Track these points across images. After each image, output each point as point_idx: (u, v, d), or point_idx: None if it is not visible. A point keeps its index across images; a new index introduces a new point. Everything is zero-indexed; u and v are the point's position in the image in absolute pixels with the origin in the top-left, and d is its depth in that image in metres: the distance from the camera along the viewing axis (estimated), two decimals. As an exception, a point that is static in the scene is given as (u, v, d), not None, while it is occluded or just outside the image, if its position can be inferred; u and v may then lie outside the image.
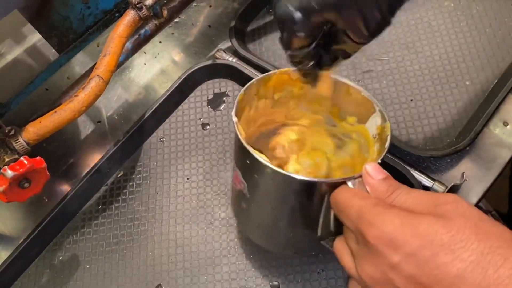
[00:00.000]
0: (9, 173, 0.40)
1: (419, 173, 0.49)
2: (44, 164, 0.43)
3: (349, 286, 0.34)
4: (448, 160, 0.50)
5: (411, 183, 0.47)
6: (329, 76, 0.41)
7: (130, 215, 0.54)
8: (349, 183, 0.34)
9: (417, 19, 0.59)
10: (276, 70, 0.42)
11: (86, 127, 0.62)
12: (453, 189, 0.48)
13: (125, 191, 0.55)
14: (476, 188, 0.49)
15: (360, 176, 0.34)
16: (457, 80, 0.54)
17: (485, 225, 0.28)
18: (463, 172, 0.49)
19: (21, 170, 0.40)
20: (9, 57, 0.62)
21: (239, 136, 0.37)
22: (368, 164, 0.34)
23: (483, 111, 0.50)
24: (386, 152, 0.37)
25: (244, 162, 0.37)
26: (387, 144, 0.37)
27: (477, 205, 0.48)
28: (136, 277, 0.50)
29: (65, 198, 0.54)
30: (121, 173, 0.57)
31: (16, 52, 0.64)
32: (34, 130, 0.44)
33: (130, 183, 0.56)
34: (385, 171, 0.34)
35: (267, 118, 0.45)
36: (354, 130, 0.43)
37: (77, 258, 0.53)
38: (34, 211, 0.57)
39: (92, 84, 0.45)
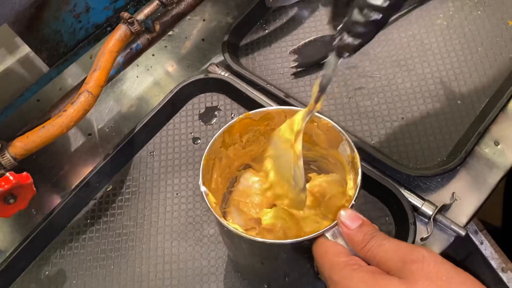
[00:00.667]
0: (-6, 189, 0.40)
1: (409, 192, 0.49)
2: (31, 180, 0.42)
3: None
4: (439, 179, 0.50)
5: (401, 203, 0.47)
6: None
7: (119, 230, 0.53)
8: (328, 235, 0.35)
9: (410, 36, 0.59)
10: (236, 118, 0.43)
11: (76, 139, 0.62)
12: (443, 209, 0.48)
13: (113, 205, 0.55)
14: (467, 208, 0.49)
15: (337, 224, 0.35)
16: (448, 99, 0.54)
17: (450, 286, 0.29)
18: (454, 192, 0.49)
19: (6, 186, 0.40)
20: (0, 68, 0.61)
21: (210, 208, 0.38)
22: (343, 211, 0.35)
23: (474, 131, 0.50)
24: (359, 189, 0.37)
25: (222, 228, 0.38)
26: (359, 179, 0.37)
27: (466, 225, 0.48)
28: (123, 293, 0.50)
29: (53, 211, 0.53)
30: (110, 187, 0.56)
31: (7, 63, 0.64)
32: (21, 145, 0.43)
33: (119, 198, 0.55)
34: (360, 217, 0.35)
35: (242, 159, 0.47)
36: (328, 154, 0.44)
37: (64, 273, 0.52)
38: (22, 224, 0.57)
39: (81, 99, 0.45)
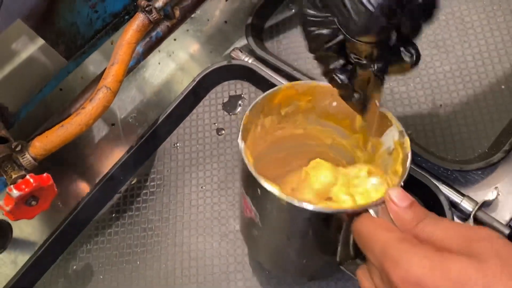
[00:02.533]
0: (15, 193, 0.39)
1: (447, 187, 0.45)
2: (51, 181, 0.41)
3: None
4: (480, 173, 0.47)
5: (438, 198, 0.44)
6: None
7: (144, 225, 0.52)
8: (371, 211, 0.32)
9: (448, 14, 0.54)
10: (282, 85, 0.40)
11: (100, 130, 0.61)
12: (484, 205, 0.44)
13: (138, 199, 0.54)
14: (510, 205, 0.45)
15: (383, 202, 0.31)
16: (491, 83, 0.50)
17: None
18: (496, 187, 0.45)
19: (26, 189, 0.39)
20: (17, 62, 0.60)
21: (248, 165, 0.34)
22: (391, 189, 0.31)
23: (519, 120, 0.46)
24: (408, 173, 0.34)
25: (255, 191, 0.35)
26: (408, 163, 0.35)
27: (510, 222, 0.45)
28: (149, 290, 0.49)
29: (78, 206, 0.53)
30: (135, 180, 0.55)
31: (24, 56, 0.63)
32: (41, 145, 0.42)
33: (144, 191, 0.54)
34: (410, 197, 0.31)
35: (275, 135, 0.43)
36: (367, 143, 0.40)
37: (90, 268, 0.52)
38: (49, 217, 0.56)
39: (100, 96, 0.43)
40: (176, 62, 0.63)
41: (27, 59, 0.59)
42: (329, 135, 0.44)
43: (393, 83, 0.52)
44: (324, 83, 0.39)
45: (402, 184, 0.34)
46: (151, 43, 0.52)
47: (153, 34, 0.52)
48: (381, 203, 0.31)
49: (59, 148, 0.43)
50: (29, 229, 0.57)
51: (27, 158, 0.42)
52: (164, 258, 0.50)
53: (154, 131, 0.55)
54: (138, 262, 0.51)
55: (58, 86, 0.60)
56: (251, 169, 0.34)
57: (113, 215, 0.54)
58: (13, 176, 0.41)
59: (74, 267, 0.52)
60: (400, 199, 0.31)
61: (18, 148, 0.42)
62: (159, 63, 0.63)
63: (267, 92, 0.39)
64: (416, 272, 0.26)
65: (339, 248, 0.36)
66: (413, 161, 0.47)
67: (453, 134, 0.48)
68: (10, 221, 0.56)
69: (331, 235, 0.35)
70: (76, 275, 0.52)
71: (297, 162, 0.43)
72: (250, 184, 0.35)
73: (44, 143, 0.42)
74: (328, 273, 0.43)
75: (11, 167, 0.42)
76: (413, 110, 0.50)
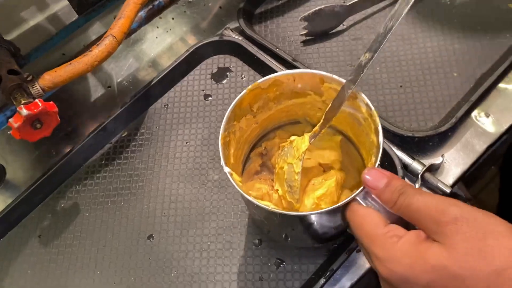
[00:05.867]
0: (24, 111, 0.44)
1: (400, 151, 0.52)
2: (56, 109, 0.47)
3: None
4: (430, 143, 0.54)
5: (392, 159, 0.51)
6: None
7: (130, 171, 0.58)
8: (359, 199, 0.36)
9: (415, 13, 0.63)
10: (245, 90, 0.43)
11: (96, 91, 0.66)
12: (431, 168, 0.51)
13: (127, 149, 0.59)
14: (454, 171, 0.52)
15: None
16: (445, 71, 0.58)
17: (488, 245, 0.29)
18: (443, 154, 0.52)
19: (35, 110, 0.44)
20: (32, 23, 0.65)
21: (238, 189, 0.39)
22: (366, 173, 0.35)
23: (466, 100, 0.54)
24: (381, 148, 0.38)
25: (250, 204, 0.41)
26: (381, 140, 0.39)
27: (454, 185, 0.51)
28: (130, 226, 0.54)
29: (71, 151, 0.58)
30: (125, 133, 0.61)
31: (38, 18, 0.69)
32: (50, 78, 0.48)
33: (133, 143, 0.60)
34: (385, 174, 0.35)
35: (254, 129, 0.48)
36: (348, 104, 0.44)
37: (77, 206, 0.57)
38: (42, 163, 0.61)
39: (106, 42, 0.49)
40: (172, 38, 0.69)
41: (38, 23, 0.65)
42: (300, 108, 0.48)
43: (363, 66, 0.60)
44: (284, 72, 0.44)
45: (379, 162, 0.37)
46: (153, 10, 0.58)
47: (156, 3, 0.58)
48: (363, 189, 0.35)
49: (65, 83, 0.49)
50: (22, 173, 0.61)
51: (36, 88, 0.47)
52: (147, 200, 0.55)
53: (147, 92, 0.61)
54: (122, 203, 0.56)
55: (62, 50, 0.67)
56: (243, 193, 0.39)
57: (103, 162, 0.59)
58: (23, 102, 0.46)
59: (62, 205, 0.57)
60: (376, 180, 0.35)
61: (29, 78, 0.47)
62: (156, 38, 0.70)
63: (233, 102, 0.43)
64: (398, 270, 0.31)
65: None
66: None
67: (410, 110, 0.56)
68: (4, 164, 0.61)
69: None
70: (64, 211, 0.56)
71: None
72: (245, 199, 0.42)
73: (53, 77, 0.48)
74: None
75: (21, 95, 0.47)
76: (377, 89, 0.58)
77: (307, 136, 0.43)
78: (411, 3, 0.39)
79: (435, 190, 0.51)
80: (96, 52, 0.49)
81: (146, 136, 0.60)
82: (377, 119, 0.40)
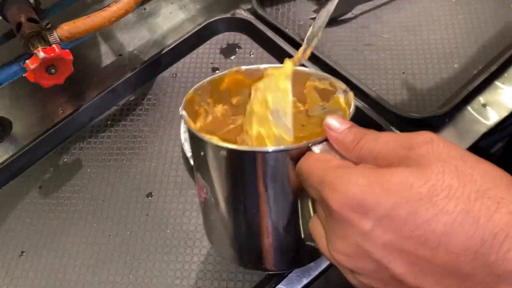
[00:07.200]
0: (41, 54, 0.46)
1: (398, 132, 0.54)
2: (71, 57, 0.48)
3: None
4: (427, 128, 0.55)
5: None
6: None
7: (135, 133, 0.59)
8: (314, 148, 0.31)
9: (420, 7, 0.65)
10: (227, 71, 0.39)
11: (107, 58, 0.68)
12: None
13: (133, 112, 0.61)
14: (448, 154, 0.54)
15: (326, 140, 0.31)
16: (447, 62, 0.60)
17: (467, 166, 0.24)
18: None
19: (52, 54, 0.46)
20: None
21: (189, 126, 0.34)
22: (329, 117, 0.30)
23: (464, 89, 0.56)
24: (353, 113, 0.34)
25: (199, 155, 0.35)
26: (352, 105, 0.34)
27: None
28: (131, 184, 0.55)
29: (78, 108, 0.60)
30: (133, 97, 0.62)
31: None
32: (68, 28, 0.49)
33: (139, 107, 0.61)
34: (348, 121, 0.31)
35: (229, 128, 0.41)
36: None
37: (80, 162, 0.58)
38: (49, 120, 0.62)
39: (125, 0, 0.51)
40: (185, 15, 0.71)
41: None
42: None
43: (367, 52, 0.62)
44: (275, 65, 0.38)
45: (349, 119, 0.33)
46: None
47: (174, -26, 0.60)
48: (323, 140, 0.31)
49: (82, 36, 0.50)
50: (28, 129, 0.62)
51: (54, 36, 0.49)
52: (149, 160, 0.57)
53: (157, 59, 0.63)
54: (124, 161, 0.57)
55: (80, 8, 0.68)
56: (193, 129, 0.34)
57: (109, 122, 0.60)
58: (40, 48, 0.48)
59: (65, 160, 0.58)
60: (337, 124, 0.30)
61: (48, 26, 0.49)
62: (170, 13, 0.72)
63: (212, 76, 0.39)
64: (355, 193, 0.25)
65: (301, 221, 0.34)
66: (373, 110, 0.56)
67: (410, 95, 0.58)
68: (11, 119, 0.62)
69: (287, 189, 0.33)
70: (66, 166, 0.58)
71: None
72: (195, 150, 0.36)
73: (71, 27, 0.49)
74: (302, 256, 0.39)
75: (38, 42, 0.48)
76: (380, 73, 0.60)
77: (289, 62, 0.37)
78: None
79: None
80: (115, 8, 0.50)
81: (153, 101, 0.62)
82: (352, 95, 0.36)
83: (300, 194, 0.33)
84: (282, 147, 0.32)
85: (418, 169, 0.24)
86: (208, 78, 0.39)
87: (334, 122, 0.30)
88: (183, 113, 0.36)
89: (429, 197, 0.23)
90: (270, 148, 0.33)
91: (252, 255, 0.39)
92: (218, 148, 0.32)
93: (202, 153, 0.34)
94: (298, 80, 0.38)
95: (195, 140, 0.35)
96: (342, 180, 0.26)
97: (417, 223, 0.23)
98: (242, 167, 0.33)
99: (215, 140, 0.33)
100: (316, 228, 0.30)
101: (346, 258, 0.26)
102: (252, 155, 0.32)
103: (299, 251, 0.37)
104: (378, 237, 0.24)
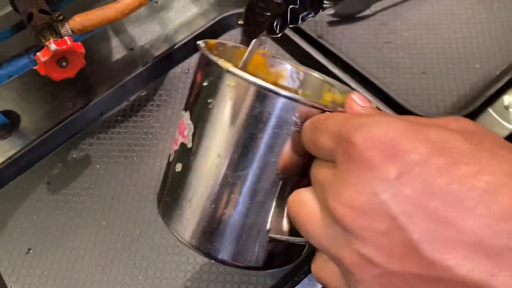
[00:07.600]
0: (53, 46, 0.44)
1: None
2: (83, 50, 0.47)
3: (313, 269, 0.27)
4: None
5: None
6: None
7: (146, 129, 0.58)
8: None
9: (441, 5, 0.63)
10: (255, 48, 0.36)
11: (118, 52, 0.66)
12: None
13: (144, 108, 0.59)
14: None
15: (335, 109, 0.28)
16: (468, 62, 0.58)
17: (505, 142, 0.22)
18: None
19: (64, 46, 0.44)
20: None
21: (203, 51, 0.31)
22: (353, 92, 0.28)
23: (486, 91, 0.54)
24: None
25: (200, 87, 0.31)
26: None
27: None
28: (141, 181, 0.54)
29: (88, 103, 0.58)
30: (144, 92, 0.61)
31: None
32: (80, 20, 0.48)
33: (151, 102, 0.60)
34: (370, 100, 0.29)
35: None
36: None
37: (89, 158, 0.56)
38: (58, 115, 0.61)
39: (139, -7, 0.50)
40: (198, 9, 0.70)
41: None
42: None
43: (386, 50, 0.60)
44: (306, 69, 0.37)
45: None
46: (185, -26, 0.59)
47: (189, -33, 0.59)
48: (334, 109, 0.28)
49: (94, 28, 0.49)
50: (36, 123, 0.61)
51: (66, 28, 0.47)
52: (160, 157, 0.55)
53: (169, 54, 0.61)
54: (135, 158, 0.56)
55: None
56: (207, 52, 0.30)
57: (119, 117, 0.59)
58: (52, 40, 0.46)
59: (74, 155, 0.57)
60: (361, 99, 0.27)
61: (60, 18, 0.47)
62: (183, 7, 0.70)
63: (239, 45, 0.38)
64: (387, 132, 0.21)
65: (272, 210, 0.29)
66: (391, 109, 0.54)
67: (430, 95, 0.56)
68: (19, 113, 0.61)
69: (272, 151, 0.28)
70: (75, 162, 0.56)
71: None
72: (200, 80, 0.32)
73: (83, 19, 0.48)
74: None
75: (50, 33, 0.47)
76: (399, 72, 0.58)
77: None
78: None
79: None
80: (128, 1, 0.49)
81: (164, 97, 0.60)
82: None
83: (288, 172, 0.28)
84: (304, 99, 0.27)
85: (460, 134, 0.21)
86: (235, 43, 0.37)
87: (360, 97, 0.27)
88: (200, 43, 0.33)
89: (472, 152, 0.20)
90: (290, 94, 0.27)
91: (213, 230, 0.30)
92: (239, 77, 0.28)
93: (205, 83, 0.30)
94: (316, 87, 0.37)
95: (203, 65, 0.31)
96: (373, 120, 0.22)
97: (456, 176, 0.20)
98: (249, 103, 0.28)
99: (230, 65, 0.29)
100: (322, 173, 0.25)
101: (351, 212, 0.21)
102: (267, 92, 0.27)
103: (260, 245, 0.30)
104: (402, 186, 0.20)
